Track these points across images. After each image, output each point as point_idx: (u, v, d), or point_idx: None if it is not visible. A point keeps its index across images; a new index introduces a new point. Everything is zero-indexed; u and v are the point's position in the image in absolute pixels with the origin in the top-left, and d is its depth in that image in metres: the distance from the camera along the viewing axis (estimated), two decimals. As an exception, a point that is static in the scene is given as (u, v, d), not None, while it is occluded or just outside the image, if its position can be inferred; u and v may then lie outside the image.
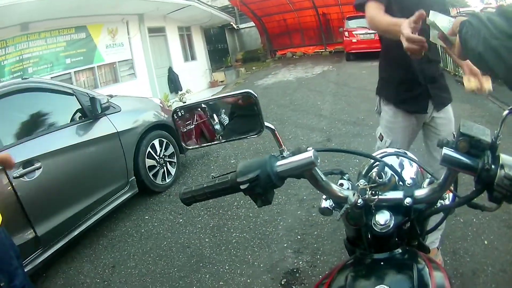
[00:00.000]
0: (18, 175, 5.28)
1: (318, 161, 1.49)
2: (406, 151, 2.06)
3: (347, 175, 1.77)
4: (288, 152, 1.62)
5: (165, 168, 8.28)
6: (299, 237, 5.66)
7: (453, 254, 4.86)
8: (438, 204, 1.67)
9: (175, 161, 8.64)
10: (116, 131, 7.12)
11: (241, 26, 38.11)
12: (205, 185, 1.65)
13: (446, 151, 1.38)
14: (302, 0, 32.62)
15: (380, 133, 4.30)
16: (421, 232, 1.72)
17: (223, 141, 1.86)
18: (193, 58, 26.70)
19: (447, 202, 1.67)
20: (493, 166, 1.33)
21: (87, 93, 6.98)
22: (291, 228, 5.93)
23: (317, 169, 1.56)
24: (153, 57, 20.61)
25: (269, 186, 1.52)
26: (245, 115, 1.74)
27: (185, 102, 18.12)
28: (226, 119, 1.81)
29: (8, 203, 5.08)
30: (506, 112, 1.61)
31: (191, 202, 1.72)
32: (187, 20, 25.01)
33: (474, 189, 1.44)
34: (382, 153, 2.01)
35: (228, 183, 1.56)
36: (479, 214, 5.44)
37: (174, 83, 22.08)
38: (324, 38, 34.41)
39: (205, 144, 1.89)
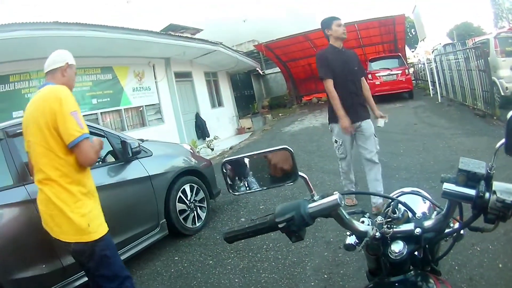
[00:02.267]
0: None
1: (343, 203, 1.78)
2: (420, 190, 2.31)
3: (367, 213, 2.04)
4: (318, 196, 1.88)
5: (195, 212, 8.39)
6: (326, 276, 5.73)
7: (469, 281, 4.96)
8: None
9: (205, 206, 8.73)
10: (148, 174, 7.30)
11: (267, 71, 38.23)
12: (246, 225, 1.94)
13: (446, 186, 1.64)
14: (325, 44, 32.65)
15: (335, 139, 8.02)
16: (433, 258, 1.98)
17: (265, 188, 2.11)
18: (220, 104, 26.98)
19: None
20: (486, 193, 1.57)
21: (118, 136, 7.16)
22: (318, 268, 5.99)
23: (342, 209, 1.85)
24: (180, 102, 20.80)
25: (302, 225, 1.78)
26: (283, 166, 2.01)
27: (212, 149, 18.36)
28: (267, 169, 2.08)
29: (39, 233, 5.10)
30: (498, 145, 1.75)
31: (233, 240, 1.99)
32: (213, 65, 25.36)
33: (471, 215, 1.69)
34: (398, 193, 2.26)
35: (267, 223, 1.84)
36: (495, 241, 5.67)
37: (201, 129, 22.23)
38: None
39: (249, 191, 2.12)
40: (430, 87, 26.95)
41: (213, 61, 24.44)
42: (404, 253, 1.78)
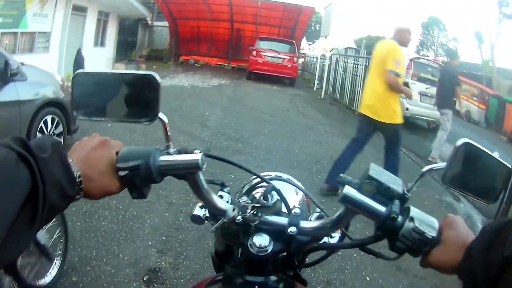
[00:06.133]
0: None
1: (204, 166, 1.40)
2: (297, 182, 2.02)
3: (227, 188, 1.70)
4: (174, 150, 1.49)
5: (52, 146, 8.15)
6: (163, 238, 5.81)
7: (327, 284, 5.00)
8: (326, 240, 1.66)
9: (62, 141, 8.62)
10: (18, 99, 7.17)
11: (156, 23, 37.95)
12: None
13: (348, 190, 1.34)
14: (221, 11, 33.09)
15: (447, 118, 12.68)
16: (300, 264, 1.67)
17: (114, 119, 1.63)
18: (102, 44, 26.61)
19: (333, 240, 1.68)
20: (400, 217, 1.31)
21: (4, 55, 7.04)
22: (157, 227, 6.10)
23: (201, 175, 1.48)
24: (69, 35, 20.38)
25: (148, 180, 1.39)
26: (143, 99, 1.55)
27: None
28: (122, 98, 1.57)
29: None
30: (425, 169, 1.50)
31: None
32: (109, 5, 24.94)
33: (373, 234, 1.41)
34: (272, 176, 1.96)
35: None
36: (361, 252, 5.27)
37: (79, 65, 21.09)
38: (230, 53, 35.17)
39: (95, 118, 1.62)
40: (316, 81, 27.40)
41: (110, 1, 24.20)
42: (269, 251, 1.46)
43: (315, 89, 26.68)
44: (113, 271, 4.93)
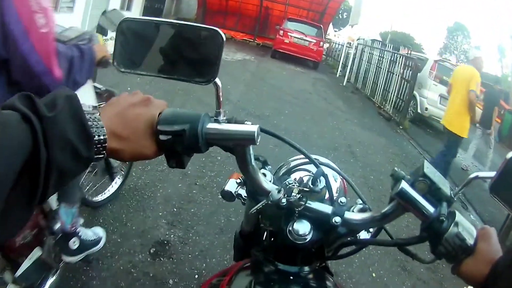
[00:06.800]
0: None
1: (259, 140, 1.25)
2: (331, 163, 1.88)
3: (269, 166, 1.62)
4: (224, 118, 1.36)
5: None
6: (175, 210, 5.60)
7: (334, 275, 4.80)
8: (362, 235, 1.64)
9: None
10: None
11: (184, -8, 37.80)
12: None
13: (405, 185, 1.27)
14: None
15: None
16: (331, 255, 1.64)
17: (164, 75, 1.40)
18: (128, 8, 26.60)
19: (367, 234, 1.67)
20: (447, 221, 1.25)
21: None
22: (169, 198, 5.85)
23: (251, 149, 1.36)
24: (95, -4, 19.95)
25: (191, 148, 1.25)
26: (201, 56, 1.39)
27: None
28: (176, 52, 1.42)
29: None
30: (472, 176, 1.59)
31: None
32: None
33: (418, 235, 1.34)
34: (315, 158, 1.71)
35: None
36: (371, 247, 5.01)
37: (102, 27, 21.46)
38: (257, 29, 35.26)
39: (140, 72, 1.44)
40: (339, 68, 27.54)
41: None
42: (308, 239, 1.41)
43: (337, 75, 26.80)
44: (119, 240, 4.76)
